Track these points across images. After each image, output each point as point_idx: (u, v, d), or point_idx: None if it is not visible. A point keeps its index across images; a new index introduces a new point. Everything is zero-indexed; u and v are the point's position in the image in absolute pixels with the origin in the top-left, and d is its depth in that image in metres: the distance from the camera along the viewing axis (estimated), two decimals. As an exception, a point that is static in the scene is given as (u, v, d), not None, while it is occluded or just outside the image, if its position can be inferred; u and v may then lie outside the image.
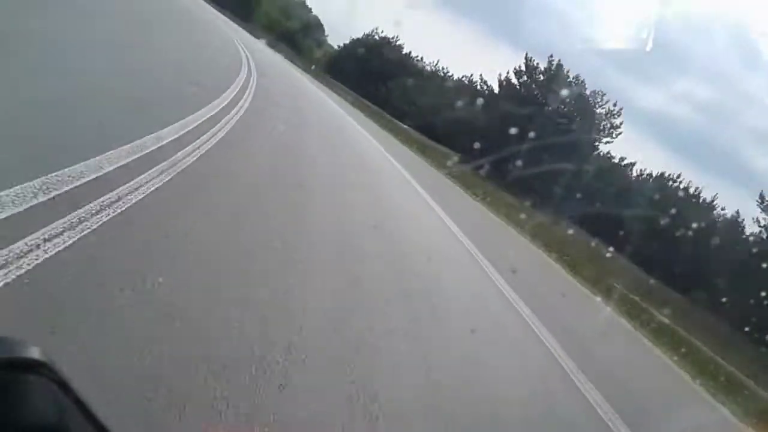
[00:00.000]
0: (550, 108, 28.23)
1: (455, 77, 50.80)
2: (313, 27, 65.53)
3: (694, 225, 24.72)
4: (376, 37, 54.42)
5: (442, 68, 51.02)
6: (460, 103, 29.50)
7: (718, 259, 25.01)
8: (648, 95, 65.14)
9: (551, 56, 30.73)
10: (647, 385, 7.26)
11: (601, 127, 30.21)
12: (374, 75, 40.06)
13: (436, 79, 47.63)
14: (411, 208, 9.97)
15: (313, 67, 37.15)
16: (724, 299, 20.82)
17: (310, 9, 67.62)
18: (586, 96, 30.17)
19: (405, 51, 50.74)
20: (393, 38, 51.48)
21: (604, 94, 30.16)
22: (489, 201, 17.26)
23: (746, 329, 16.00)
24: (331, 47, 64.07)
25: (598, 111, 30.32)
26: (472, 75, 50.06)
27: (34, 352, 0.48)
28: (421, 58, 50.60)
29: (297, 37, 58.50)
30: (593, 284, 12.44)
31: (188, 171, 4.07)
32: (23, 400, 0.46)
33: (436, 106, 30.67)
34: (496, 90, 33.64)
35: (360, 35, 54.25)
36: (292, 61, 33.35)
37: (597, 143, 30.76)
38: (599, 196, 26.32)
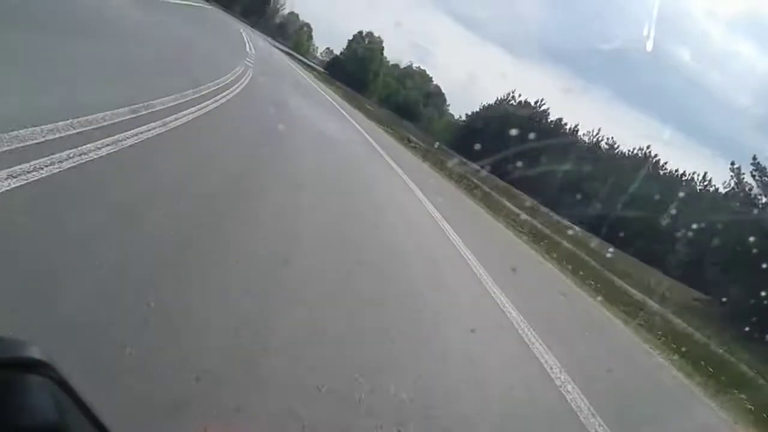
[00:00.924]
0: None
1: (624, 152, 38.65)
2: (434, 96, 58.29)
3: None
4: (512, 102, 44.52)
5: (607, 139, 39.17)
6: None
7: None
8: None
9: None
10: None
11: None
12: (519, 152, 29.76)
13: (599, 153, 35.91)
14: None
15: (437, 144, 27.98)
16: None
17: (431, 77, 60.79)
18: None
19: (551, 117, 40.08)
20: (536, 103, 41.19)
21: None
22: None
23: None
24: (452, 116, 56.09)
25: None
26: (649, 148, 37.37)
27: (35, 352, 0.47)
28: (576, 128, 39.36)
29: (416, 107, 51.44)
30: None
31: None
32: (23, 400, 0.46)
33: (632, 201, 19.06)
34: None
35: (491, 101, 45.04)
36: (403, 140, 24.70)
37: None
38: None
